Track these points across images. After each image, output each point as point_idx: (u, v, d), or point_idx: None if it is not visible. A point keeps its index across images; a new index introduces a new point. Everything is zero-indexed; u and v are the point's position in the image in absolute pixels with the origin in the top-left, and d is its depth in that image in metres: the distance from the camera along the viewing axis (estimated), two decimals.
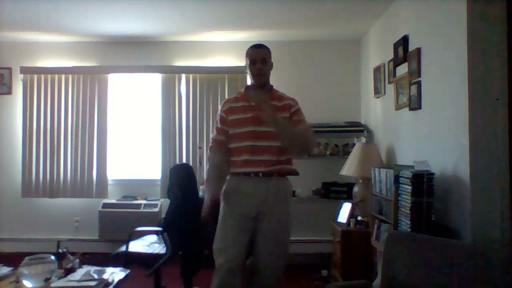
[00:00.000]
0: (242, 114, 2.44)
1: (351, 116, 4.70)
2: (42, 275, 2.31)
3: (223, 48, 4.74)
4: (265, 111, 2.23)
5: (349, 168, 3.79)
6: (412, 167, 2.60)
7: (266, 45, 2.50)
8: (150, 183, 4.82)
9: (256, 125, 2.38)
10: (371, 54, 4.35)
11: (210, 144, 2.59)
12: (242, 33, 4.53)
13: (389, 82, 3.67)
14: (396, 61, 3.44)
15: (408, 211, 2.45)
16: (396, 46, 3.43)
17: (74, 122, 4.76)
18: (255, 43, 2.53)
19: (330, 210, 4.22)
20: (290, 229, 2.50)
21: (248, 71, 2.45)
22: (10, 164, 4.82)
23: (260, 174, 2.37)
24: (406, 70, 3.20)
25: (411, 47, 3.14)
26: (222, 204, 2.46)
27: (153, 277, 3.16)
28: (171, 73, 4.76)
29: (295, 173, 2.52)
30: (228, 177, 2.50)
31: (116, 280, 2.48)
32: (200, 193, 3.76)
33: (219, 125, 2.53)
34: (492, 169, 2.27)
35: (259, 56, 2.42)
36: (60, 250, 2.75)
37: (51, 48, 4.83)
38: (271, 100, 2.39)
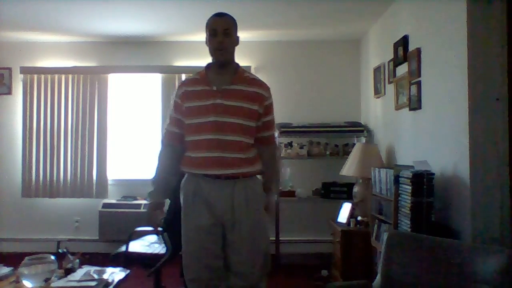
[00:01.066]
0: (200, 100, 2.01)
1: (351, 116, 4.70)
2: (42, 275, 2.31)
3: None
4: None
5: (349, 168, 3.79)
6: (412, 167, 2.60)
7: (233, 16, 2.11)
8: (150, 183, 4.80)
9: (218, 115, 1.97)
10: (371, 54, 4.35)
11: (162, 137, 2.23)
12: (242, 33, 4.47)
13: (389, 82, 3.67)
14: (396, 61, 3.44)
15: (408, 211, 2.45)
16: (396, 46, 3.43)
17: (74, 122, 4.76)
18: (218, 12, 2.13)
19: (330, 210, 4.22)
20: (267, 235, 2.18)
21: (208, 46, 2.04)
22: (10, 164, 4.82)
23: (223, 177, 1.97)
24: (406, 70, 3.20)
25: (411, 47, 3.14)
26: (182, 210, 2.10)
27: (153, 277, 3.16)
28: (171, 73, 4.75)
29: (261, 172, 2.19)
30: (185, 176, 2.11)
31: (116, 280, 2.49)
32: None
33: (173, 114, 2.13)
34: (492, 169, 2.27)
35: (221, 27, 2.01)
36: (60, 250, 2.76)
37: (51, 48, 4.83)
38: (238, 83, 2.02)
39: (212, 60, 2.09)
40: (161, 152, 2.21)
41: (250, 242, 2.03)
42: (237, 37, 2.11)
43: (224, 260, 2.06)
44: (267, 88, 2.12)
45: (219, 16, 2.07)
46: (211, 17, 2.08)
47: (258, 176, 2.15)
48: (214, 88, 2.01)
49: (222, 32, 2.01)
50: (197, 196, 2.03)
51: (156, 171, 2.21)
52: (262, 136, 2.14)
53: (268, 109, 2.11)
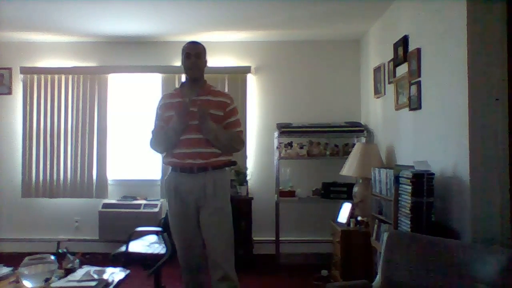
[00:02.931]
0: (177, 109, 2.51)
1: (351, 116, 4.71)
2: (42, 275, 2.31)
3: (223, 48, 4.74)
4: (199, 116, 2.43)
5: (349, 168, 3.79)
6: (412, 167, 2.60)
7: (203, 44, 2.63)
8: (150, 183, 4.81)
9: (190, 120, 2.48)
10: (371, 54, 4.36)
11: (151, 135, 2.67)
12: (242, 33, 4.53)
13: (389, 82, 3.67)
14: (396, 61, 3.44)
15: (408, 211, 2.45)
16: (396, 46, 3.43)
17: (74, 122, 4.76)
18: (192, 40, 2.66)
19: (330, 210, 4.23)
20: (230, 218, 2.60)
21: (183, 66, 2.58)
22: (10, 164, 4.82)
23: (195, 169, 2.49)
24: (406, 70, 3.20)
25: (411, 47, 3.14)
26: (167, 200, 2.65)
27: (153, 277, 3.16)
28: (171, 73, 4.75)
29: (231, 163, 2.68)
30: (168, 171, 2.64)
31: (116, 280, 2.49)
32: None
33: (157, 121, 2.67)
34: (492, 169, 2.27)
35: (193, 51, 2.55)
36: (60, 250, 2.76)
37: (51, 48, 4.83)
38: (205, 94, 2.56)
39: (186, 78, 2.65)
40: (157, 134, 2.64)
41: (219, 219, 2.53)
42: (206, 60, 2.65)
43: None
44: (229, 97, 2.67)
45: (193, 43, 2.62)
46: (187, 43, 2.62)
47: (226, 168, 2.66)
48: (187, 99, 2.52)
49: (194, 55, 2.55)
50: (176, 189, 2.54)
51: (163, 132, 2.61)
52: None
53: (230, 113, 2.61)
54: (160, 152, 2.73)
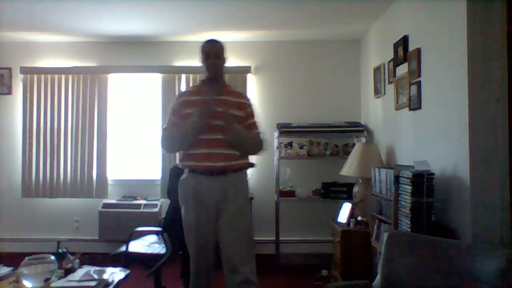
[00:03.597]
0: (196, 107, 2.42)
1: (351, 116, 4.71)
2: (42, 275, 2.31)
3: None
4: (227, 116, 2.36)
5: (349, 168, 3.79)
6: (412, 167, 2.60)
7: (221, 41, 2.56)
8: (150, 183, 4.82)
9: (211, 119, 2.40)
10: (371, 54, 4.36)
11: (162, 133, 2.58)
12: (242, 33, 4.53)
13: (389, 82, 3.67)
14: (396, 61, 3.44)
15: (408, 211, 2.45)
16: (396, 46, 3.43)
17: (74, 122, 4.76)
18: (210, 38, 2.59)
19: (330, 210, 4.23)
20: (250, 220, 2.58)
21: (203, 66, 2.50)
22: (10, 164, 4.82)
23: (215, 173, 2.40)
24: (406, 70, 3.20)
25: (411, 47, 3.14)
26: (181, 205, 2.52)
27: (153, 277, 3.16)
28: (171, 73, 4.75)
29: (251, 166, 2.62)
30: (185, 173, 2.52)
31: (116, 280, 2.48)
32: None
33: (172, 118, 2.54)
34: (492, 169, 2.27)
35: (212, 50, 2.49)
36: (60, 250, 2.76)
37: (51, 48, 4.84)
38: (225, 95, 2.49)
39: (206, 76, 2.55)
40: (170, 131, 2.53)
41: (238, 221, 2.44)
42: (225, 58, 2.57)
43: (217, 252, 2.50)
44: (248, 99, 2.64)
45: (211, 42, 2.55)
46: (205, 42, 2.55)
47: (246, 171, 2.58)
48: (207, 98, 2.43)
49: (214, 55, 2.49)
50: (196, 191, 2.43)
51: (180, 129, 2.49)
52: None
53: (250, 115, 2.58)
54: (172, 151, 2.64)
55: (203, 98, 2.43)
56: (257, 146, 2.56)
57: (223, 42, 2.56)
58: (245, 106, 2.56)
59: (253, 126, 2.58)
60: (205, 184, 2.41)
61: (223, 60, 2.54)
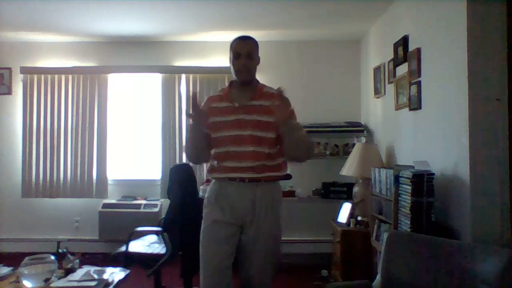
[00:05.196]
0: (224, 116, 2.16)
1: (351, 116, 4.71)
2: (42, 275, 2.31)
3: (223, 48, 4.68)
4: (281, 113, 2.00)
5: (349, 168, 3.79)
6: (412, 167, 2.60)
7: (255, 38, 2.23)
8: (150, 183, 4.81)
9: (239, 129, 2.13)
10: (371, 54, 4.35)
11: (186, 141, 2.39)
12: (242, 33, 4.51)
13: (389, 82, 3.67)
14: (396, 61, 3.44)
15: (408, 211, 2.45)
16: (396, 46, 3.43)
17: (74, 122, 4.76)
18: (241, 35, 2.24)
19: (330, 210, 4.22)
20: (280, 240, 2.24)
21: (231, 66, 2.17)
22: (10, 164, 4.82)
23: (246, 180, 2.11)
24: (406, 70, 3.20)
25: (411, 47, 3.14)
26: (204, 210, 2.22)
27: (153, 277, 3.16)
28: (171, 73, 4.75)
29: (286, 177, 2.30)
30: (212, 182, 2.26)
31: (116, 280, 2.49)
32: (200, 193, 3.76)
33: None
34: (492, 169, 2.27)
35: (244, 50, 2.15)
36: (60, 250, 2.76)
37: (51, 48, 4.83)
38: (258, 98, 2.16)
39: (236, 79, 2.21)
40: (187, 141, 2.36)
41: (266, 242, 2.14)
42: (259, 58, 2.23)
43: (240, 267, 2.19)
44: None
45: (243, 39, 2.22)
46: (236, 39, 2.22)
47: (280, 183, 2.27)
48: (236, 104, 2.15)
49: (245, 55, 2.14)
50: (220, 195, 2.16)
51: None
52: None
53: (291, 117, 2.14)
54: (193, 161, 2.36)
55: (233, 106, 2.15)
56: (310, 149, 2.23)
57: (256, 40, 2.23)
58: None
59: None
60: (233, 190, 2.13)
61: (256, 61, 2.20)
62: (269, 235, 2.15)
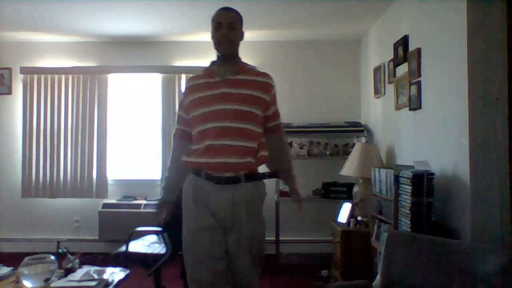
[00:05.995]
0: (203, 91, 2.00)
1: (351, 116, 4.71)
2: (42, 275, 2.31)
3: None
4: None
5: (349, 168, 3.79)
6: (412, 167, 2.60)
7: (238, 11, 2.11)
8: (150, 183, 4.81)
9: (224, 103, 1.95)
10: (371, 54, 4.35)
11: (173, 132, 2.24)
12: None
13: (389, 82, 3.67)
14: (396, 61, 3.44)
15: (408, 211, 2.45)
16: (396, 46, 3.43)
17: (74, 122, 4.76)
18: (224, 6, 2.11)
19: (330, 210, 4.22)
20: (263, 240, 2.11)
21: (212, 40, 2.06)
22: (10, 164, 4.82)
23: (223, 181, 1.93)
24: (406, 70, 3.20)
25: (411, 47, 3.14)
26: (183, 206, 2.06)
27: (153, 277, 3.16)
28: (171, 73, 4.75)
29: (272, 175, 2.17)
30: (188, 174, 2.07)
31: (116, 280, 2.49)
32: None
33: (179, 111, 2.17)
34: (492, 169, 2.27)
35: (226, 20, 2.02)
36: (60, 250, 2.76)
37: (51, 48, 4.83)
38: (242, 73, 2.04)
39: (216, 54, 2.09)
40: (173, 149, 2.25)
41: (250, 243, 2.00)
42: (242, 32, 2.10)
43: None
44: (270, 78, 2.13)
45: (225, 10, 2.08)
46: (217, 11, 2.08)
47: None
48: (218, 79, 2.01)
49: (226, 26, 2.01)
50: (196, 197, 1.99)
51: (169, 169, 2.26)
52: (271, 126, 2.14)
53: (275, 99, 2.13)
54: None
55: (213, 81, 2.01)
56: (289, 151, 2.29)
57: (238, 12, 2.10)
58: (269, 87, 2.08)
59: (277, 115, 2.17)
60: (211, 190, 1.98)
61: (239, 33, 2.06)
62: (252, 237, 2.00)
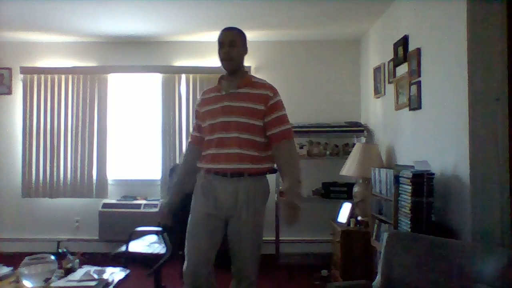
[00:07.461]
0: (211, 105, 2.28)
1: (351, 116, 4.71)
2: (42, 275, 2.31)
3: None
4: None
5: (349, 168, 3.79)
6: (412, 167, 2.60)
7: (241, 29, 2.31)
8: (150, 183, 4.81)
9: (224, 115, 2.21)
10: (371, 54, 4.35)
11: (188, 142, 2.52)
12: None
13: (389, 82, 3.67)
14: (396, 61, 3.44)
15: (408, 211, 2.45)
16: (396, 46, 3.43)
17: (74, 122, 4.76)
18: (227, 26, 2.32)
19: (330, 210, 4.22)
20: (262, 232, 2.31)
21: (219, 57, 2.29)
22: (10, 164, 4.82)
23: (228, 174, 2.19)
24: (406, 70, 3.20)
25: (411, 47, 3.14)
26: (193, 197, 2.32)
27: (153, 277, 3.16)
28: (171, 73, 4.75)
29: (272, 171, 2.35)
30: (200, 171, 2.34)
31: (116, 280, 2.49)
32: None
33: (195, 120, 2.47)
34: (492, 169, 2.27)
35: (226, 39, 2.23)
36: (60, 250, 2.76)
37: (51, 48, 4.83)
38: (243, 86, 2.24)
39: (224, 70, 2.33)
40: (185, 153, 2.53)
41: (249, 233, 2.23)
42: (245, 48, 2.32)
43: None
44: (271, 89, 2.29)
45: (226, 30, 2.30)
46: (221, 31, 2.30)
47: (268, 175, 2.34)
48: (223, 93, 2.26)
49: (227, 44, 2.23)
50: (204, 189, 2.25)
51: (179, 170, 2.53)
52: (273, 133, 2.26)
53: (274, 107, 2.24)
54: None
55: (220, 94, 2.26)
56: (298, 162, 2.38)
57: (240, 30, 2.30)
58: (267, 98, 2.21)
59: (278, 120, 2.23)
60: (219, 184, 2.22)
61: (241, 49, 2.27)
62: (251, 228, 2.22)
